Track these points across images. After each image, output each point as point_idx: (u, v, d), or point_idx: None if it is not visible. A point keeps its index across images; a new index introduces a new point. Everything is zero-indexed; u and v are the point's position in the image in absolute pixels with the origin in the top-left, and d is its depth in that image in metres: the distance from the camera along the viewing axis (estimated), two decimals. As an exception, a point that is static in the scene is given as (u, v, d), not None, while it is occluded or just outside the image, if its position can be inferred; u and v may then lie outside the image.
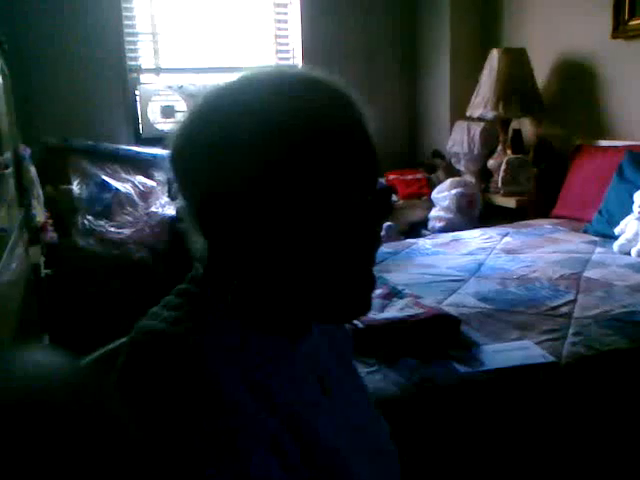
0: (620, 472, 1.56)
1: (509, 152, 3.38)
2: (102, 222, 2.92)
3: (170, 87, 3.40)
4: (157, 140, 3.15)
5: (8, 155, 2.03)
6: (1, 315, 1.48)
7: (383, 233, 2.90)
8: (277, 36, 3.74)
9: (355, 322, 1.59)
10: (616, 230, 2.57)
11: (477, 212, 3.39)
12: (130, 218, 2.99)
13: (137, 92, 3.40)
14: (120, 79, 3.35)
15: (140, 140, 3.35)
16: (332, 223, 0.60)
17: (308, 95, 0.61)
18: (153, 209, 3.04)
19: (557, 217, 3.07)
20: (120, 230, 2.93)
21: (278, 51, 3.75)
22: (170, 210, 3.03)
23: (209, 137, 0.61)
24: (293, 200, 0.59)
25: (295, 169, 0.59)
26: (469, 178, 3.56)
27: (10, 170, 2.03)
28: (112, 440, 0.36)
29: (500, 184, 3.31)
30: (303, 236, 0.60)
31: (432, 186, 3.58)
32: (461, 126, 3.62)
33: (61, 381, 0.37)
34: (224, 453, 0.53)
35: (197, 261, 0.68)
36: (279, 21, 3.73)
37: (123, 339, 0.79)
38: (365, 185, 0.63)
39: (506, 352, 1.61)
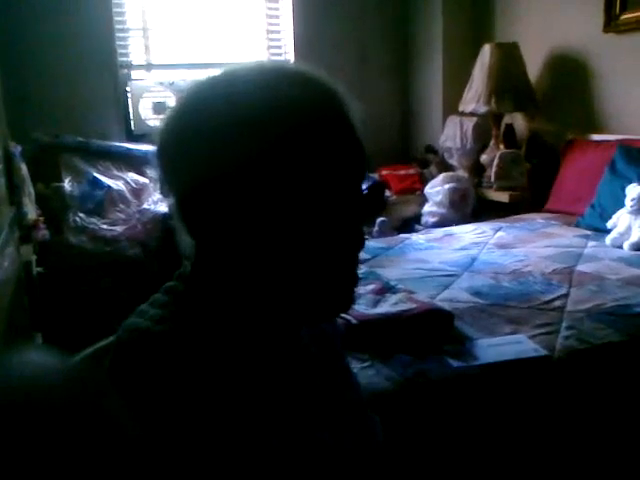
0: (613, 465, 1.57)
1: (502, 147, 3.38)
2: (94, 219, 2.91)
3: (161, 83, 3.38)
4: (149, 137, 3.13)
5: (-2, 153, 2.02)
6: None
7: (376, 228, 2.88)
8: (268, 31, 3.72)
9: (348, 318, 1.59)
10: (608, 224, 2.58)
11: (470, 207, 3.40)
12: (122, 215, 2.98)
13: (128, 88, 3.38)
14: (111, 75, 3.33)
15: (132, 137, 3.33)
16: (316, 219, 0.60)
17: (291, 88, 0.60)
18: (145, 206, 3.03)
19: (550, 211, 3.08)
20: (112, 227, 2.92)
21: (270, 47, 3.74)
22: (162, 207, 3.01)
23: (191, 133, 0.61)
24: (276, 195, 0.59)
25: (277, 163, 0.58)
26: (462, 173, 3.56)
27: (0, 168, 2.02)
28: (108, 438, 0.36)
29: (493, 179, 3.32)
30: (286, 231, 0.59)
31: (425, 181, 3.58)
32: (454, 121, 3.62)
33: (56, 381, 0.37)
34: (210, 449, 0.53)
35: (186, 259, 0.67)
36: (270, 16, 3.72)
37: (110, 338, 0.78)
38: (351, 180, 0.62)
39: (499, 346, 1.61)
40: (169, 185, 0.64)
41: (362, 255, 0.65)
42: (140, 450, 0.39)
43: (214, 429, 0.55)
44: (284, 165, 0.58)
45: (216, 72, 0.64)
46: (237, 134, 0.59)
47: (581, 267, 2.22)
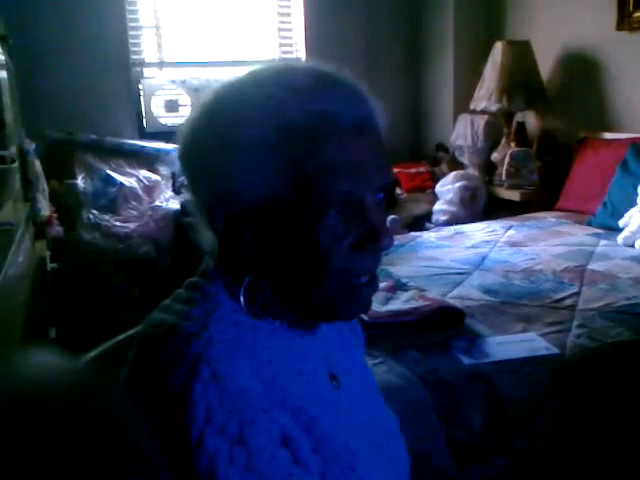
0: (624, 462, 1.57)
1: (513, 145, 3.37)
2: (107, 216, 2.93)
3: (174, 81, 3.40)
4: (161, 134, 3.16)
5: (13, 150, 2.04)
6: (10, 309, 1.48)
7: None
8: (280, 29, 3.73)
9: (361, 315, 1.59)
10: (620, 222, 2.57)
11: (481, 205, 3.39)
12: (135, 212, 3.00)
13: (141, 86, 3.40)
14: (124, 73, 3.35)
15: (144, 134, 3.35)
16: (341, 223, 0.60)
17: (318, 90, 0.61)
18: (157, 203, 3.05)
19: (561, 210, 3.07)
20: (125, 224, 2.94)
21: (281, 44, 3.74)
22: (174, 204, 3.03)
23: (220, 134, 0.61)
24: (303, 195, 0.59)
25: (306, 164, 0.59)
26: (473, 171, 3.55)
27: (15, 165, 2.04)
28: (116, 441, 0.36)
29: (504, 177, 3.31)
30: (310, 229, 0.60)
31: (436, 179, 3.57)
32: (465, 119, 3.61)
33: (65, 384, 0.37)
34: (234, 447, 0.54)
35: (208, 255, 0.68)
36: (282, 14, 3.72)
37: (130, 331, 0.79)
38: (374, 181, 0.63)
39: (510, 344, 1.62)
40: (193, 185, 0.65)
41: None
42: (151, 449, 0.39)
43: (239, 425, 0.55)
44: (312, 165, 0.59)
45: (242, 73, 0.65)
46: (266, 137, 0.59)
47: (592, 266, 2.22)
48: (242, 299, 0.64)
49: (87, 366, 0.76)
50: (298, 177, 0.59)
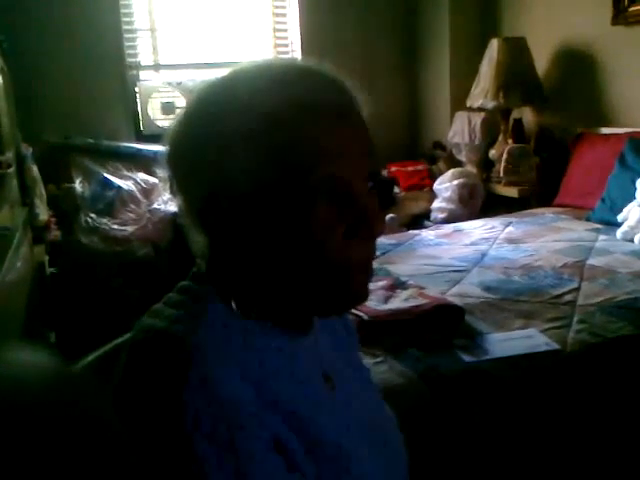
0: (625, 457, 1.57)
1: (510, 142, 3.37)
2: (105, 220, 2.93)
3: (170, 83, 3.39)
4: (158, 137, 3.12)
5: (10, 154, 2.04)
6: (8, 313, 1.48)
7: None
8: (276, 30, 3.73)
9: (360, 314, 1.59)
10: (619, 217, 2.57)
11: (479, 202, 3.39)
12: (133, 215, 2.99)
13: (137, 89, 3.39)
14: (119, 76, 3.35)
15: (141, 137, 3.35)
16: (332, 211, 0.60)
17: (299, 80, 0.61)
18: (155, 206, 3.04)
19: (559, 206, 3.07)
20: (123, 227, 2.94)
21: (277, 45, 3.74)
22: (172, 206, 3.03)
23: (206, 134, 0.61)
24: (291, 183, 0.59)
25: (291, 159, 0.59)
26: (470, 168, 3.55)
27: (12, 169, 2.04)
28: (97, 445, 0.36)
29: (502, 174, 3.31)
30: (301, 225, 0.59)
31: (434, 177, 3.58)
32: (462, 117, 3.61)
33: (42, 384, 0.37)
34: (223, 453, 0.53)
35: (199, 258, 0.67)
36: (277, 14, 3.72)
37: (126, 336, 0.79)
38: (361, 167, 0.62)
39: (510, 341, 1.61)
40: (181, 187, 0.65)
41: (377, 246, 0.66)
42: (136, 457, 0.39)
43: (229, 431, 0.54)
44: (297, 152, 0.59)
45: (225, 72, 0.65)
46: (253, 132, 0.59)
47: (592, 261, 2.22)
48: (233, 301, 0.63)
49: (64, 364, 0.76)
50: (284, 165, 0.59)
